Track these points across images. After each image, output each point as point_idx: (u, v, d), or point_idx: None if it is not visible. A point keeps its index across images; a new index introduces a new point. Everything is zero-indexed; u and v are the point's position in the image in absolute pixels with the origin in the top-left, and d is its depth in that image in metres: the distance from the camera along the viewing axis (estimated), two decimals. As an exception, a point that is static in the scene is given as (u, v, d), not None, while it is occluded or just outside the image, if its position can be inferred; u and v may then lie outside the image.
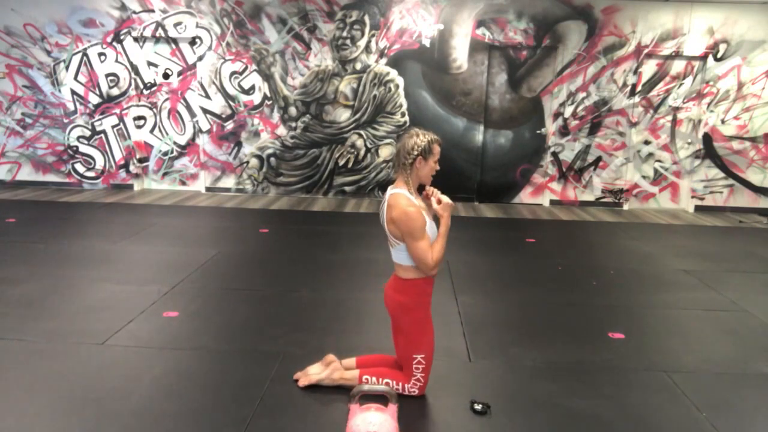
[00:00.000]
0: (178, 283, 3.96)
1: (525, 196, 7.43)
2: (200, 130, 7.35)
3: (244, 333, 3.21)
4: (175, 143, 7.41)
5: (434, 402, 2.54)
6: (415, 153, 2.38)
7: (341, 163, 7.34)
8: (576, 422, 2.42)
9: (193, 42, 7.09)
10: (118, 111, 7.29)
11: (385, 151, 7.25)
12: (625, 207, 7.35)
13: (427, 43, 6.96)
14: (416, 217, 2.32)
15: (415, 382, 2.52)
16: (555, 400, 2.58)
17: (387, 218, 2.42)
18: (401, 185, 2.43)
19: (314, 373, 2.64)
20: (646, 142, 7.22)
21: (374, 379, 2.53)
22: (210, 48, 7.10)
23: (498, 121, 7.22)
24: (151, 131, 7.39)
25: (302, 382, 2.62)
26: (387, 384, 2.50)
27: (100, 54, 7.13)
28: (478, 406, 2.46)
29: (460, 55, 6.99)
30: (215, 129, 7.33)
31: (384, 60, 7.02)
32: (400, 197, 2.38)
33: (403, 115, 7.13)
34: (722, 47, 6.86)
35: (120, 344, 3.01)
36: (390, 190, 2.45)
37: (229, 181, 7.50)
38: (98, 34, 7.07)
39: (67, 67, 7.16)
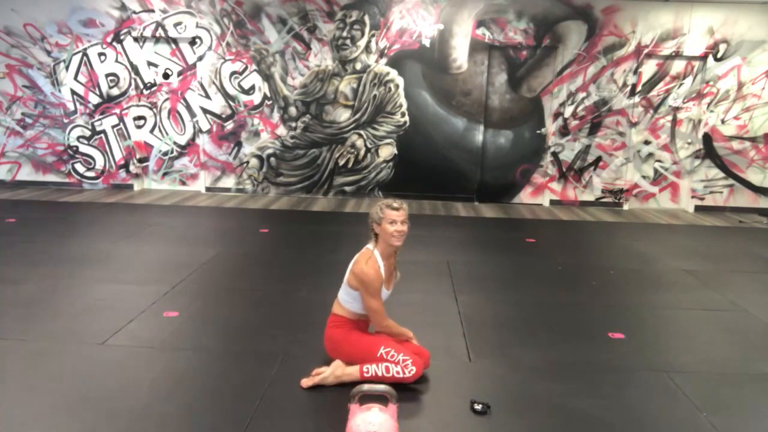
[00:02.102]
0: (178, 283, 3.96)
1: (525, 196, 7.43)
2: (200, 130, 7.35)
3: (244, 333, 3.20)
4: (175, 143, 7.41)
5: (434, 402, 2.54)
6: (370, 221, 2.68)
7: (341, 163, 7.34)
8: (576, 422, 2.41)
9: (193, 42, 7.10)
10: (118, 111, 7.29)
11: (385, 151, 7.25)
12: (625, 207, 7.35)
13: (427, 43, 6.96)
14: (373, 279, 2.59)
15: (404, 364, 2.57)
16: (555, 400, 2.58)
17: (350, 268, 2.68)
18: (375, 246, 2.68)
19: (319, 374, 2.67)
20: (646, 142, 7.22)
21: (374, 367, 2.58)
22: (210, 48, 7.10)
23: (498, 121, 7.22)
24: (151, 131, 7.39)
25: (305, 383, 2.62)
26: (387, 369, 2.57)
27: (100, 54, 7.13)
28: (478, 406, 2.45)
29: (460, 55, 6.99)
30: (215, 129, 7.33)
31: (384, 60, 7.02)
32: (367, 256, 2.64)
33: (403, 115, 7.13)
34: (722, 47, 6.87)
35: (120, 344, 3.01)
36: (366, 246, 2.72)
37: (229, 181, 7.50)
38: (98, 34, 7.07)
39: (67, 67, 7.16)
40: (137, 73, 7.20)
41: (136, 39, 7.09)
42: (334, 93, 7.12)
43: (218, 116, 7.30)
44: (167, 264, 4.40)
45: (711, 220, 6.77)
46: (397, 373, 2.56)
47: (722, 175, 7.23)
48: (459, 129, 7.18)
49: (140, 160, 7.46)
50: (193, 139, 7.39)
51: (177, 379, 2.68)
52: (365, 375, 2.57)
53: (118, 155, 7.43)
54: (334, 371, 2.62)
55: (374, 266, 2.62)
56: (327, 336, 2.76)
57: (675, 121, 7.15)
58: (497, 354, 3.03)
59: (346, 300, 2.72)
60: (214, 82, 7.20)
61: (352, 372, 2.60)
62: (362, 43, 6.97)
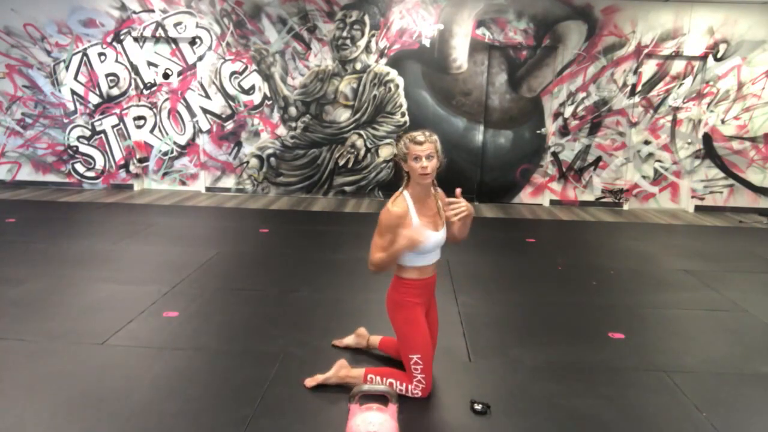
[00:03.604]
0: (178, 283, 3.96)
1: (525, 196, 7.43)
2: (200, 130, 7.36)
3: (244, 333, 3.20)
4: (175, 143, 7.41)
5: (434, 402, 2.54)
6: (397, 159, 2.45)
7: (341, 163, 7.34)
8: (576, 422, 2.42)
9: (193, 42, 7.10)
10: (118, 111, 7.29)
11: (385, 151, 7.25)
12: (625, 207, 7.35)
13: (427, 43, 6.96)
14: (387, 217, 2.39)
15: (417, 384, 2.51)
16: (555, 400, 2.58)
17: None
18: (405, 186, 2.48)
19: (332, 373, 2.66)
20: (646, 142, 7.22)
21: (378, 378, 2.54)
22: (210, 48, 7.10)
23: (498, 121, 7.22)
24: (151, 131, 7.39)
25: (309, 383, 2.61)
26: (391, 384, 2.50)
27: (100, 54, 7.14)
28: (478, 406, 2.45)
29: (460, 55, 6.99)
30: (215, 129, 7.33)
31: (384, 60, 7.02)
32: (395, 198, 2.46)
33: (403, 115, 7.13)
34: (722, 47, 6.86)
35: (120, 344, 3.01)
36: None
37: (229, 181, 7.50)
38: (98, 34, 7.07)
39: (67, 67, 7.16)
40: (137, 73, 7.20)
41: (136, 39, 7.09)
42: (334, 93, 7.12)
43: (218, 116, 7.30)
44: (167, 264, 4.40)
45: (711, 220, 6.77)
46: (400, 390, 2.50)
47: (722, 175, 7.23)
48: (459, 129, 7.18)
49: (140, 160, 7.46)
50: (193, 139, 7.39)
51: (177, 379, 2.68)
52: (376, 382, 2.54)
53: (118, 155, 7.43)
54: (338, 372, 2.60)
55: (401, 206, 2.41)
56: (390, 298, 2.59)
57: (675, 121, 7.15)
58: (497, 354, 3.03)
59: (405, 261, 2.50)
60: (214, 82, 7.20)
61: (356, 376, 2.57)
62: (362, 43, 6.97)
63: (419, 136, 2.37)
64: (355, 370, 2.62)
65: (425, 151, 2.35)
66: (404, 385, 2.52)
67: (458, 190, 2.44)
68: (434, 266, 2.61)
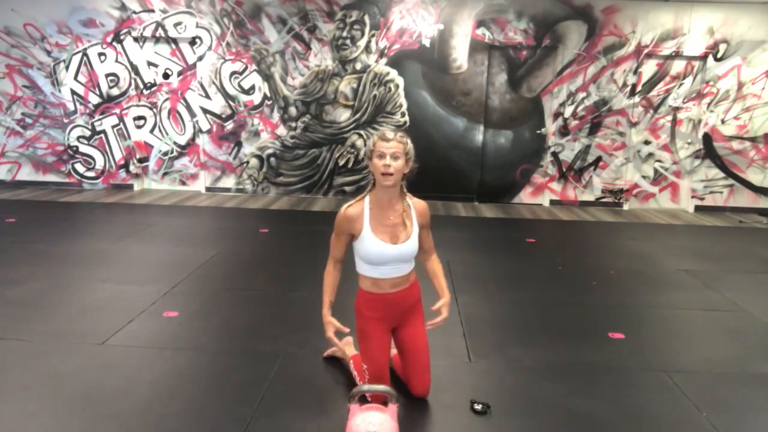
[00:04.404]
0: (178, 283, 3.96)
1: (525, 196, 7.43)
2: (200, 130, 7.35)
3: (244, 333, 3.20)
4: (175, 143, 7.41)
5: (434, 402, 2.54)
6: (364, 155, 2.41)
7: (341, 163, 7.34)
8: (576, 422, 2.41)
9: (193, 42, 7.10)
10: (118, 111, 7.29)
11: (385, 151, 7.24)
12: (625, 207, 7.35)
13: (427, 43, 6.96)
14: (337, 217, 2.40)
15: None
16: (555, 400, 2.58)
17: None
18: (370, 189, 2.38)
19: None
20: (646, 142, 7.22)
21: (351, 364, 2.64)
22: (210, 48, 7.10)
23: (498, 121, 7.22)
24: (151, 131, 7.39)
25: (325, 353, 2.83)
26: (354, 377, 2.59)
27: (100, 54, 7.14)
28: (478, 406, 2.45)
29: (460, 55, 6.99)
30: (215, 129, 7.33)
31: (384, 60, 7.02)
32: (356, 200, 2.39)
33: (403, 115, 7.13)
34: (722, 47, 6.86)
35: (120, 344, 3.01)
36: None
37: (229, 181, 7.50)
38: (98, 34, 7.07)
39: (67, 67, 7.16)
40: (137, 73, 7.20)
41: (136, 39, 7.09)
42: (334, 93, 7.12)
43: (218, 116, 7.30)
44: (167, 264, 4.40)
45: (711, 220, 6.77)
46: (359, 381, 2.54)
47: (722, 175, 7.23)
48: (459, 129, 7.18)
49: (140, 160, 7.46)
50: (193, 139, 7.39)
51: (177, 379, 2.68)
52: (350, 367, 2.65)
53: (118, 155, 7.43)
54: (344, 347, 2.73)
55: (355, 209, 2.33)
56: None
57: (675, 121, 7.15)
58: (497, 354, 3.03)
59: (358, 267, 2.46)
60: (214, 82, 7.20)
61: (347, 359, 2.70)
62: (362, 43, 6.97)
63: (389, 133, 2.25)
64: (351, 351, 2.74)
65: (390, 150, 2.21)
66: (360, 382, 2.52)
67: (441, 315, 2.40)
68: (398, 284, 2.41)
